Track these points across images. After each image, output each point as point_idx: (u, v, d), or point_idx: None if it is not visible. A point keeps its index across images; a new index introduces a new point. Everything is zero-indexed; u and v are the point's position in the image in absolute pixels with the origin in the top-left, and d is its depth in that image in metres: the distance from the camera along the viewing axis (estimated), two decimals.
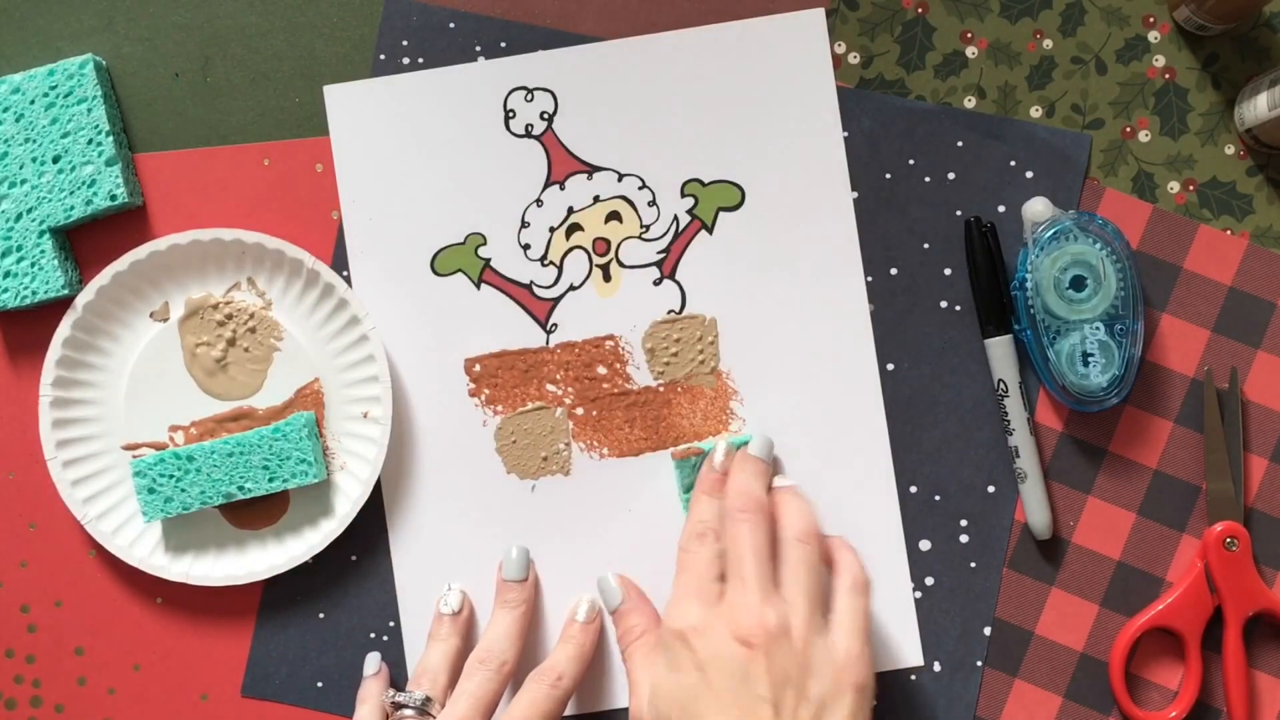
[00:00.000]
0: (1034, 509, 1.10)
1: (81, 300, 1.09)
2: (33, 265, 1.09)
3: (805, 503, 1.03)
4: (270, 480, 1.08)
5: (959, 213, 1.12)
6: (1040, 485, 1.10)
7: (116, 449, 1.11)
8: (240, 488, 1.08)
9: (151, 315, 1.11)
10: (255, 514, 1.11)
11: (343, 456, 1.11)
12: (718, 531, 1.02)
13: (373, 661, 1.10)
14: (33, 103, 1.10)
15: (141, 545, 1.10)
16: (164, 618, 1.12)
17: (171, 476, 1.08)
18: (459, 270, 1.12)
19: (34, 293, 1.09)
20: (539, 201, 1.12)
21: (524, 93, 1.12)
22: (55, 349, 1.09)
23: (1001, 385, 1.10)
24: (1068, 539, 1.11)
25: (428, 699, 1.03)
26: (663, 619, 1.00)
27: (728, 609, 0.97)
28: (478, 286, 1.12)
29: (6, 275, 1.09)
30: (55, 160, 1.09)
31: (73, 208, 1.09)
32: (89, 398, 1.11)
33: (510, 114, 1.12)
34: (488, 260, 1.12)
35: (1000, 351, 1.10)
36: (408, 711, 1.03)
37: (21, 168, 1.09)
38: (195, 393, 1.11)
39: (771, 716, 0.93)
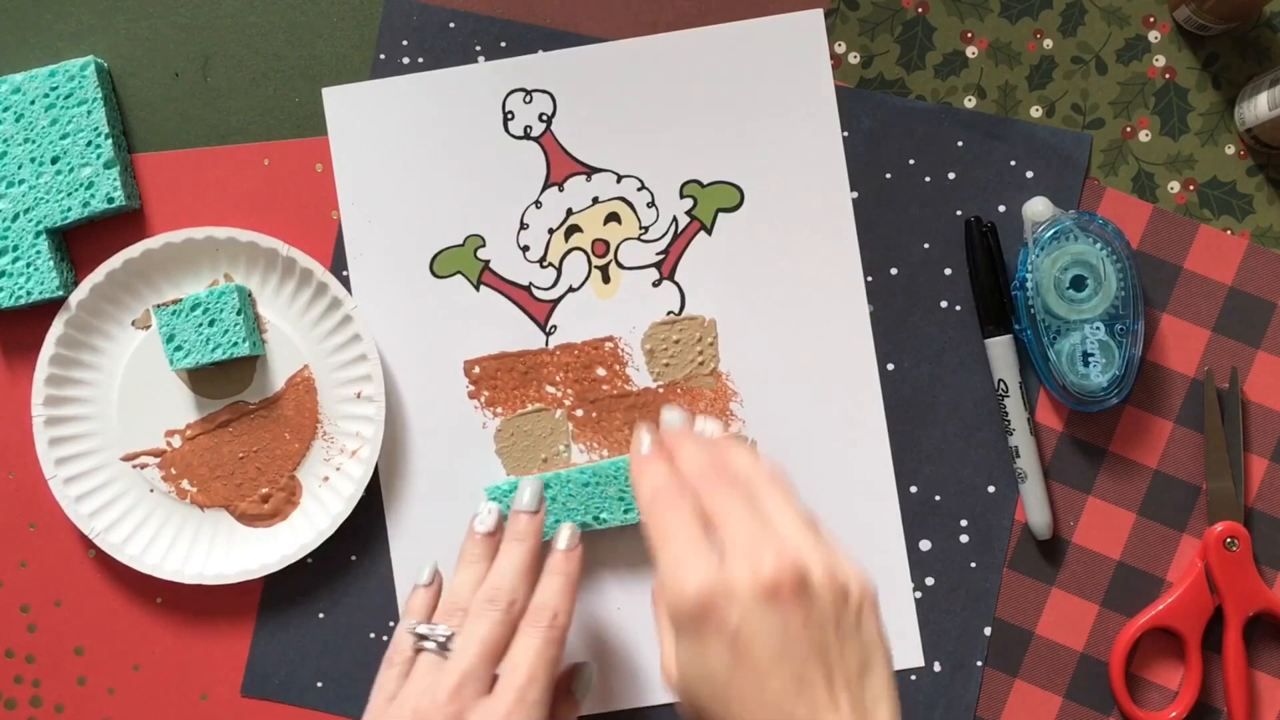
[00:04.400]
0: (1034, 509, 1.10)
1: (75, 298, 1.09)
2: (28, 266, 1.09)
3: (744, 444, 0.97)
4: (626, 512, 1.09)
5: (959, 213, 1.12)
6: (1040, 485, 1.10)
7: (115, 461, 1.11)
8: (596, 518, 1.09)
9: (134, 324, 1.11)
10: (268, 506, 1.12)
11: (341, 440, 1.11)
12: (683, 489, 0.90)
13: (427, 571, 1.06)
14: (33, 103, 1.10)
15: (153, 552, 1.10)
16: (164, 618, 1.12)
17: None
18: (458, 272, 1.12)
19: (29, 293, 1.09)
20: (538, 203, 1.12)
21: (522, 94, 1.12)
22: (49, 347, 1.09)
23: (1001, 385, 1.10)
24: (1068, 539, 1.11)
25: (452, 636, 0.99)
26: (664, 595, 0.86)
27: (738, 559, 0.84)
28: (477, 288, 1.12)
29: (2, 275, 1.09)
30: (54, 161, 1.09)
31: (69, 209, 1.09)
32: (83, 414, 1.11)
33: (509, 116, 1.12)
34: (487, 262, 1.12)
35: (1000, 351, 1.10)
36: (429, 645, 1.01)
37: (20, 168, 1.09)
38: (186, 394, 1.11)
39: (824, 680, 0.83)
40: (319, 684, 1.12)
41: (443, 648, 0.98)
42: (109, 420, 1.11)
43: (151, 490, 1.11)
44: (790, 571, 0.82)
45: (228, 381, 1.11)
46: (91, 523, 1.09)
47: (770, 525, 0.86)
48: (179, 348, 1.08)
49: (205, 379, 1.11)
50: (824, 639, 0.83)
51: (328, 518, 1.10)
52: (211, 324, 1.08)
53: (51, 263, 1.09)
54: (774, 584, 0.82)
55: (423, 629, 1.00)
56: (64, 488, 1.09)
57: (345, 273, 1.12)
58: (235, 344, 1.07)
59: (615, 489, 1.08)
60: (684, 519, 0.87)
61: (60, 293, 1.09)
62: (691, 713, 0.86)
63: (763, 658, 0.82)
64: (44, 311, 1.11)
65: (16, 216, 1.09)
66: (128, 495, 1.11)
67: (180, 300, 1.08)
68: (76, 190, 1.09)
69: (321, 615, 1.12)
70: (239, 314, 1.08)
